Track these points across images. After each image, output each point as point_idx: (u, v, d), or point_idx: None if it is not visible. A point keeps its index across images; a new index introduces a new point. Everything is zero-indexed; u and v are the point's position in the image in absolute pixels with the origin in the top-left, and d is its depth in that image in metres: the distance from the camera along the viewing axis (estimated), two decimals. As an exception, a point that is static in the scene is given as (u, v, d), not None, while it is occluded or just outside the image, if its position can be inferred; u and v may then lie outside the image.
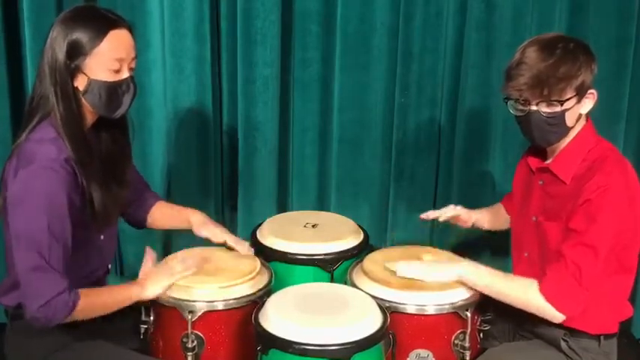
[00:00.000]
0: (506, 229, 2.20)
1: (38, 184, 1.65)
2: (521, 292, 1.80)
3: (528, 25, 2.61)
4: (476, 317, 1.91)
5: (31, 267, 1.65)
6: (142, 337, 1.91)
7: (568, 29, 2.63)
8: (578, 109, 1.80)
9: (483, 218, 2.25)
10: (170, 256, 2.03)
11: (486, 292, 1.86)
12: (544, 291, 1.76)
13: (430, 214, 2.22)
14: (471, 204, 2.31)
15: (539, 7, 2.61)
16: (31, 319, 1.67)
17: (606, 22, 2.63)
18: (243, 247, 2.04)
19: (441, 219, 2.21)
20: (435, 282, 1.87)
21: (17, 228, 1.67)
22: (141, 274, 1.90)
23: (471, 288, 1.88)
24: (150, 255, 1.95)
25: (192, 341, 1.80)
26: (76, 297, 1.69)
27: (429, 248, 2.15)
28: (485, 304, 1.92)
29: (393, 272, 1.92)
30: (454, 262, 1.95)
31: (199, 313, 1.82)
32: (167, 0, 2.52)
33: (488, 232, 2.29)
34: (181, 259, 1.94)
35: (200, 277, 1.90)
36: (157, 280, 1.85)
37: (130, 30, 1.76)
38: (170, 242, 2.73)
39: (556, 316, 1.77)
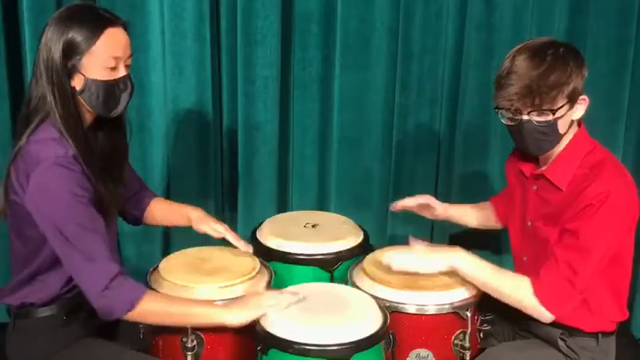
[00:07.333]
0: (498, 229, 2.19)
1: (54, 183, 1.64)
2: (513, 288, 1.79)
3: (528, 25, 2.61)
4: (476, 317, 1.91)
5: (76, 265, 1.66)
6: (141, 337, 1.90)
7: (568, 29, 2.64)
8: (570, 116, 1.77)
9: (464, 214, 2.24)
10: (268, 292, 1.88)
11: (477, 282, 1.84)
12: (537, 291, 1.75)
13: (399, 204, 2.23)
14: (472, 204, 2.30)
15: (539, 7, 2.61)
16: (97, 312, 1.67)
17: (606, 22, 2.63)
18: (243, 244, 2.04)
19: (407, 204, 2.23)
20: (430, 273, 1.84)
21: (48, 230, 1.66)
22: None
23: (470, 288, 1.88)
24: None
25: (192, 341, 1.80)
26: (139, 292, 1.67)
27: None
28: (485, 305, 1.91)
29: (389, 267, 1.88)
30: (447, 250, 1.88)
31: (199, 313, 1.82)
32: (167, 0, 2.52)
33: (479, 230, 2.27)
34: (275, 294, 1.80)
35: (200, 276, 1.90)
36: (245, 308, 1.73)
37: (125, 28, 1.76)
38: (169, 241, 2.73)
39: (546, 316, 1.77)
